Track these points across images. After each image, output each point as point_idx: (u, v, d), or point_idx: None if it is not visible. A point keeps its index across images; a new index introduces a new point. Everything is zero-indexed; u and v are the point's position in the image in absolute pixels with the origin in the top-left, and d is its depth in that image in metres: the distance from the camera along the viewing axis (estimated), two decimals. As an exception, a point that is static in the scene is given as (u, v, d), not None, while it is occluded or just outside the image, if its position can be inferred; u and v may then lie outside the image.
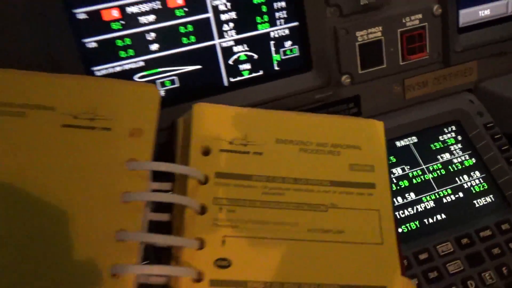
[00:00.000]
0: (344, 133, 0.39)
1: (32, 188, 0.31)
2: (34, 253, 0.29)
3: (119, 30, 0.40)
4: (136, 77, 0.41)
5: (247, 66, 0.44)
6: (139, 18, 0.40)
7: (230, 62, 0.44)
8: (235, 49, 0.44)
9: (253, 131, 0.37)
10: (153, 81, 0.42)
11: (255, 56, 0.44)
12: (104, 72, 0.41)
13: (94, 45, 0.40)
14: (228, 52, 0.43)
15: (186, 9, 0.41)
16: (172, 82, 0.42)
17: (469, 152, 0.48)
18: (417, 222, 0.44)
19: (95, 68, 0.40)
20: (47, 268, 0.29)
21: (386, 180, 0.38)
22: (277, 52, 0.45)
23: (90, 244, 0.30)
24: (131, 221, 0.31)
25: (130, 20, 0.40)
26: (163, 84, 0.42)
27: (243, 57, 0.44)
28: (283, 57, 0.45)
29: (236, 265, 0.33)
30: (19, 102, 0.32)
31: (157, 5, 0.40)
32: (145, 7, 0.40)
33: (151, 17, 0.40)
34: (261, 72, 0.45)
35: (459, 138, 0.49)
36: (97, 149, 0.32)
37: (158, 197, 0.32)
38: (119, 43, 0.40)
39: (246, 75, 0.45)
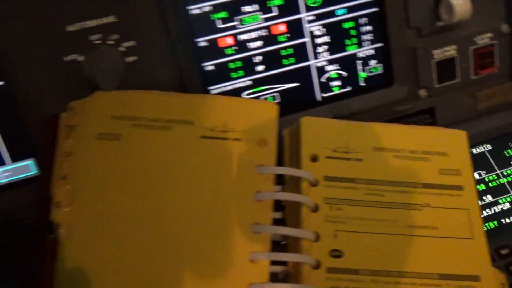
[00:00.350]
0: (433, 141, 0.44)
1: (178, 187, 0.37)
2: (188, 242, 0.36)
3: (232, 54, 0.46)
4: (244, 94, 0.48)
5: (337, 82, 0.50)
6: (248, 44, 0.47)
7: (323, 79, 0.50)
8: (327, 68, 0.49)
9: (352, 141, 0.43)
10: (258, 97, 0.48)
11: (344, 74, 0.50)
12: (218, 90, 0.47)
13: (211, 68, 0.46)
14: (321, 71, 0.49)
15: (287, 35, 0.47)
16: (274, 98, 0.49)
17: (540, 158, 0.52)
18: (495, 222, 0.48)
19: (210, 87, 0.47)
20: (200, 253, 0.36)
21: (472, 182, 0.43)
22: (363, 70, 0.50)
23: (232, 236, 0.36)
24: (263, 216, 0.37)
25: (241, 46, 0.46)
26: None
27: (334, 75, 0.50)
28: (369, 74, 0.51)
29: (348, 255, 0.38)
30: (165, 118, 0.39)
31: (263, 32, 0.47)
32: (254, 34, 0.46)
33: (259, 43, 0.47)
34: (349, 88, 0.51)
35: (530, 145, 0.53)
36: (231, 156, 0.39)
37: (285, 196, 0.38)
38: (232, 65, 0.47)
39: (336, 91, 0.50)
